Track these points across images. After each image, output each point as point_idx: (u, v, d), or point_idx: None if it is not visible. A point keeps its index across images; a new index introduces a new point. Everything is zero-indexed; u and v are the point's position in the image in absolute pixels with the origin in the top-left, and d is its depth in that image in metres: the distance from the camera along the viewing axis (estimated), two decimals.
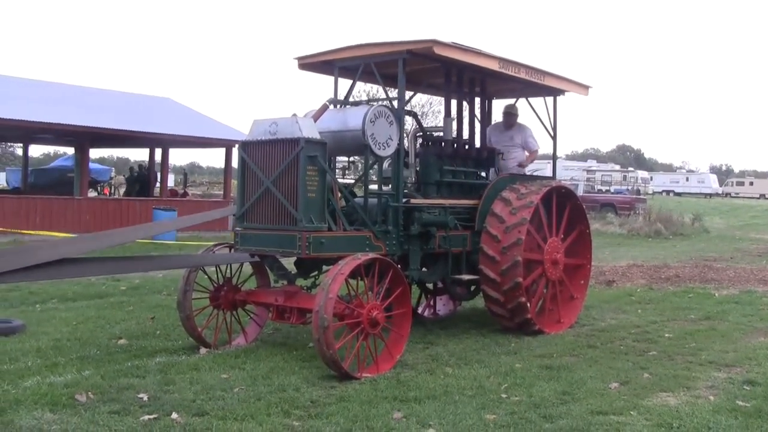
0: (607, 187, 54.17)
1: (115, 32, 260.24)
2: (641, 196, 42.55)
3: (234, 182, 24.33)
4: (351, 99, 9.37)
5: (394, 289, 7.48)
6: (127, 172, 33.07)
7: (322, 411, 5.97)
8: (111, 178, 39.11)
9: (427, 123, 26.97)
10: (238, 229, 8.01)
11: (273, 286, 8.66)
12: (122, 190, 33.90)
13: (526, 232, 8.95)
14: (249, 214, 7.86)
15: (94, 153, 34.93)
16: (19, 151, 41.40)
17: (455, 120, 10.23)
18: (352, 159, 10.30)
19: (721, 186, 79.94)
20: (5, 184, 40.34)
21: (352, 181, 9.05)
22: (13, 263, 6.42)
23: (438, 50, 8.26)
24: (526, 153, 10.78)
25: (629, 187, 53.24)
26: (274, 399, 6.23)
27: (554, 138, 10.79)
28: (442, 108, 11.16)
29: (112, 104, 26.56)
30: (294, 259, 8.18)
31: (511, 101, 10.83)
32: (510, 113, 10.71)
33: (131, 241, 12.12)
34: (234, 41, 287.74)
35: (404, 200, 8.51)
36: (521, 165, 10.58)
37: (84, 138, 24.14)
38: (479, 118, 10.75)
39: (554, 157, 11.45)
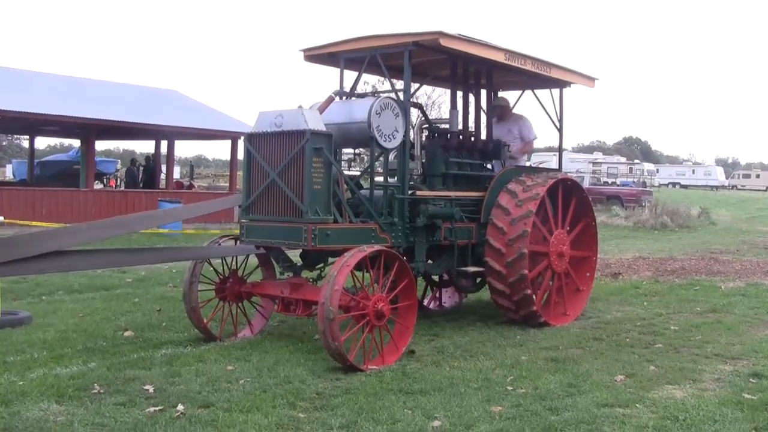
0: (613, 180, 54.02)
1: (122, 24, 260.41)
2: (647, 189, 42.45)
3: (240, 174, 24.35)
4: (356, 91, 9.35)
5: (400, 281, 7.48)
6: (129, 165, 32.45)
7: (327, 403, 5.97)
8: (117, 170, 39.13)
9: (432, 115, 26.92)
10: (243, 220, 8.02)
11: (279, 278, 8.67)
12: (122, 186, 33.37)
13: (532, 225, 8.94)
14: (255, 206, 7.86)
15: (100, 145, 34.90)
16: (26, 144, 41.49)
17: (461, 112, 10.20)
18: (357, 151, 10.30)
19: (727, 178, 79.62)
20: (12, 176, 40.43)
21: (358, 173, 9.04)
22: (14, 253, 6.38)
23: (444, 42, 8.23)
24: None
25: (635, 180, 53.12)
26: (279, 391, 6.24)
27: (560, 130, 10.75)
28: (448, 99, 11.12)
29: (118, 96, 26.57)
30: (300, 251, 8.18)
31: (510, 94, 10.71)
32: (499, 106, 10.63)
33: (136, 231, 12.13)
34: (240, 33, 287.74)
35: (410, 192, 8.50)
36: (512, 157, 10.38)
37: (90, 130, 24.19)
38: (485, 110, 10.72)
39: (560, 150, 11.41)
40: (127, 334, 8.39)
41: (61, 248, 6.73)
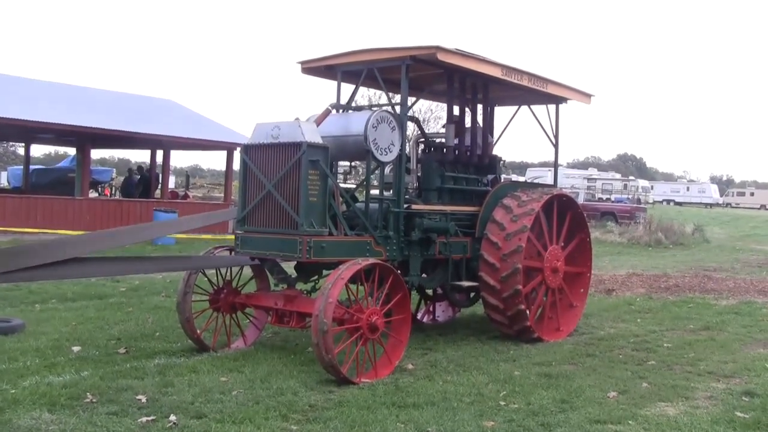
0: (608, 196, 54.07)
1: (118, 33, 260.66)
2: (642, 205, 42.50)
3: (235, 185, 24.32)
4: (353, 104, 9.38)
5: (394, 294, 7.48)
6: (126, 174, 32.38)
7: (320, 415, 5.97)
8: (112, 179, 39.03)
9: (429, 129, 26.97)
10: (238, 231, 8.02)
11: (273, 289, 8.67)
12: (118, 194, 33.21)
13: (527, 240, 8.96)
14: (250, 218, 7.87)
15: (95, 154, 34.84)
16: (21, 151, 41.42)
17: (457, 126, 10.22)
18: (353, 164, 10.31)
19: (721, 196, 79.78)
20: (6, 184, 40.36)
21: (354, 186, 9.05)
22: (17, 263, 6.41)
23: (441, 56, 8.28)
24: None
25: (630, 196, 53.14)
26: (272, 403, 6.23)
27: (556, 146, 10.81)
28: (444, 114, 11.15)
29: (114, 105, 26.56)
30: (294, 263, 8.18)
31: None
32: None
33: (134, 243, 12.13)
34: (237, 44, 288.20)
35: (405, 206, 8.52)
36: None
37: (85, 138, 24.15)
38: (481, 125, 10.75)
39: (556, 165, 11.47)
40: (119, 343, 8.38)
41: (62, 257, 6.75)
